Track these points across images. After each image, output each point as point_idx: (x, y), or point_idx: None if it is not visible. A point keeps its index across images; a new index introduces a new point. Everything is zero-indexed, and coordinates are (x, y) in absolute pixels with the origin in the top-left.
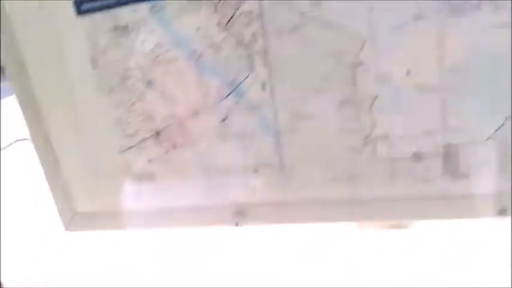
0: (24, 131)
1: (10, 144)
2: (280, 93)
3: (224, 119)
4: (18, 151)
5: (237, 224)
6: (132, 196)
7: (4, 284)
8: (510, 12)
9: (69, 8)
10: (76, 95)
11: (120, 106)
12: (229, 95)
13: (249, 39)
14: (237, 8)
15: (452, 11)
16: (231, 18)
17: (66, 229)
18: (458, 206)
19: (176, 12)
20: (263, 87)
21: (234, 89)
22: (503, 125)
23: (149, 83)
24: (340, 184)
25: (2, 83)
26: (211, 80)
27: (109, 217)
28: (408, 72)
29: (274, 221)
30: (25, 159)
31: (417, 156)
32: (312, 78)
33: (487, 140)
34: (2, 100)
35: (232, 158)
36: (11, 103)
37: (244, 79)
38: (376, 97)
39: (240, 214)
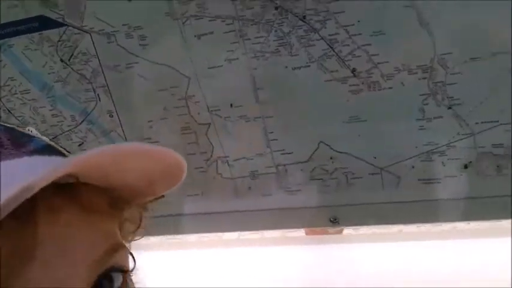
0: None
1: None
2: (127, 120)
3: (81, 144)
4: None
5: None
6: None
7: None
8: (305, 56)
9: None
10: None
11: None
12: (82, 122)
13: (90, 74)
14: (75, 48)
15: (257, 55)
16: (71, 56)
17: None
18: (295, 216)
19: (22, 50)
20: (111, 115)
21: (86, 117)
22: (318, 148)
23: (9, 112)
24: (193, 200)
25: None
26: (64, 109)
27: None
28: (232, 105)
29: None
30: None
31: (254, 175)
32: (153, 108)
33: (308, 160)
34: None
35: None
36: None
37: (93, 109)
38: (209, 125)
39: None
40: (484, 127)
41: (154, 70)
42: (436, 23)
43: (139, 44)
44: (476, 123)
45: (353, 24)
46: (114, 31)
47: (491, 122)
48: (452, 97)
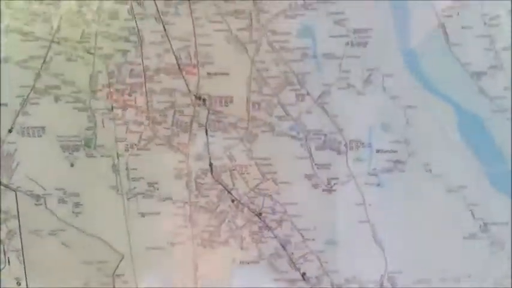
0: None
1: None
2: None
3: None
4: None
5: None
6: None
7: None
8: (256, 251)
9: None
10: None
11: None
12: None
13: (5, 236)
14: None
15: (204, 243)
16: None
17: None
18: None
19: None
20: (18, 283)
21: None
22: None
23: None
24: None
25: None
26: None
27: None
28: None
29: None
30: None
31: None
32: (72, 282)
33: None
34: None
35: None
36: None
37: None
38: None
39: None
40: None
41: (83, 241)
42: (389, 240)
43: (73, 212)
44: None
45: (309, 229)
46: (46, 194)
47: None
48: None
